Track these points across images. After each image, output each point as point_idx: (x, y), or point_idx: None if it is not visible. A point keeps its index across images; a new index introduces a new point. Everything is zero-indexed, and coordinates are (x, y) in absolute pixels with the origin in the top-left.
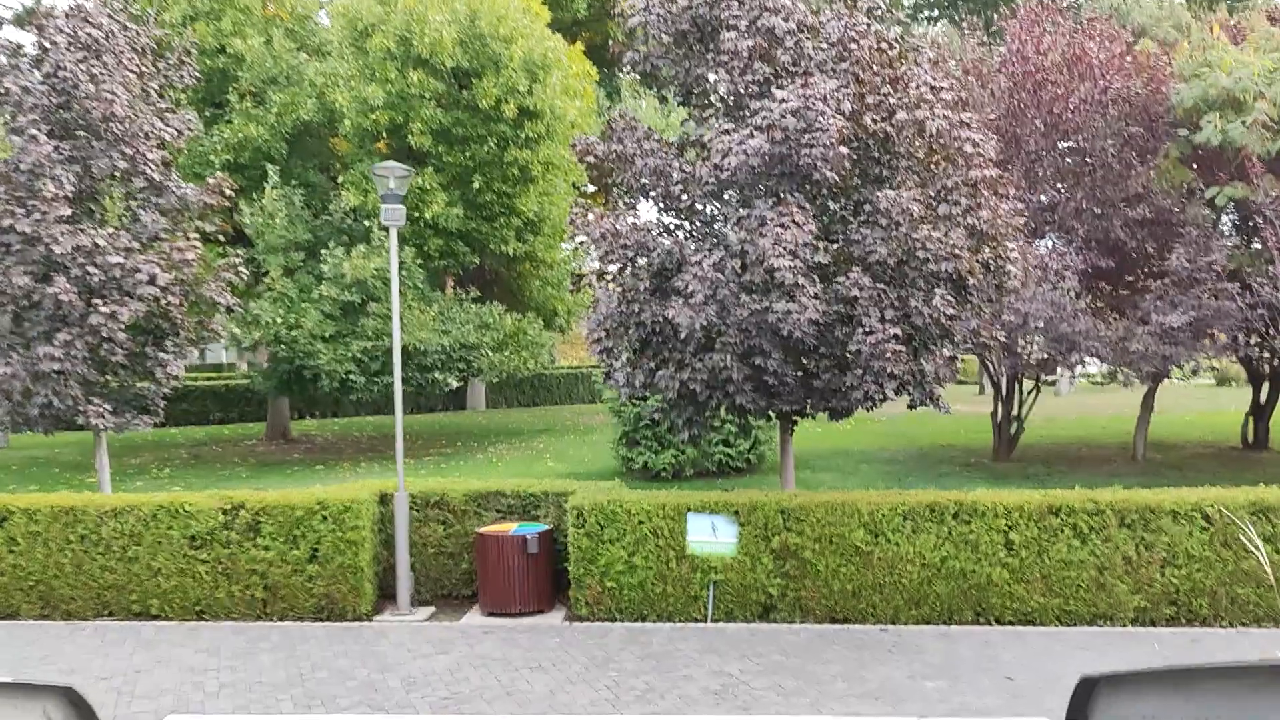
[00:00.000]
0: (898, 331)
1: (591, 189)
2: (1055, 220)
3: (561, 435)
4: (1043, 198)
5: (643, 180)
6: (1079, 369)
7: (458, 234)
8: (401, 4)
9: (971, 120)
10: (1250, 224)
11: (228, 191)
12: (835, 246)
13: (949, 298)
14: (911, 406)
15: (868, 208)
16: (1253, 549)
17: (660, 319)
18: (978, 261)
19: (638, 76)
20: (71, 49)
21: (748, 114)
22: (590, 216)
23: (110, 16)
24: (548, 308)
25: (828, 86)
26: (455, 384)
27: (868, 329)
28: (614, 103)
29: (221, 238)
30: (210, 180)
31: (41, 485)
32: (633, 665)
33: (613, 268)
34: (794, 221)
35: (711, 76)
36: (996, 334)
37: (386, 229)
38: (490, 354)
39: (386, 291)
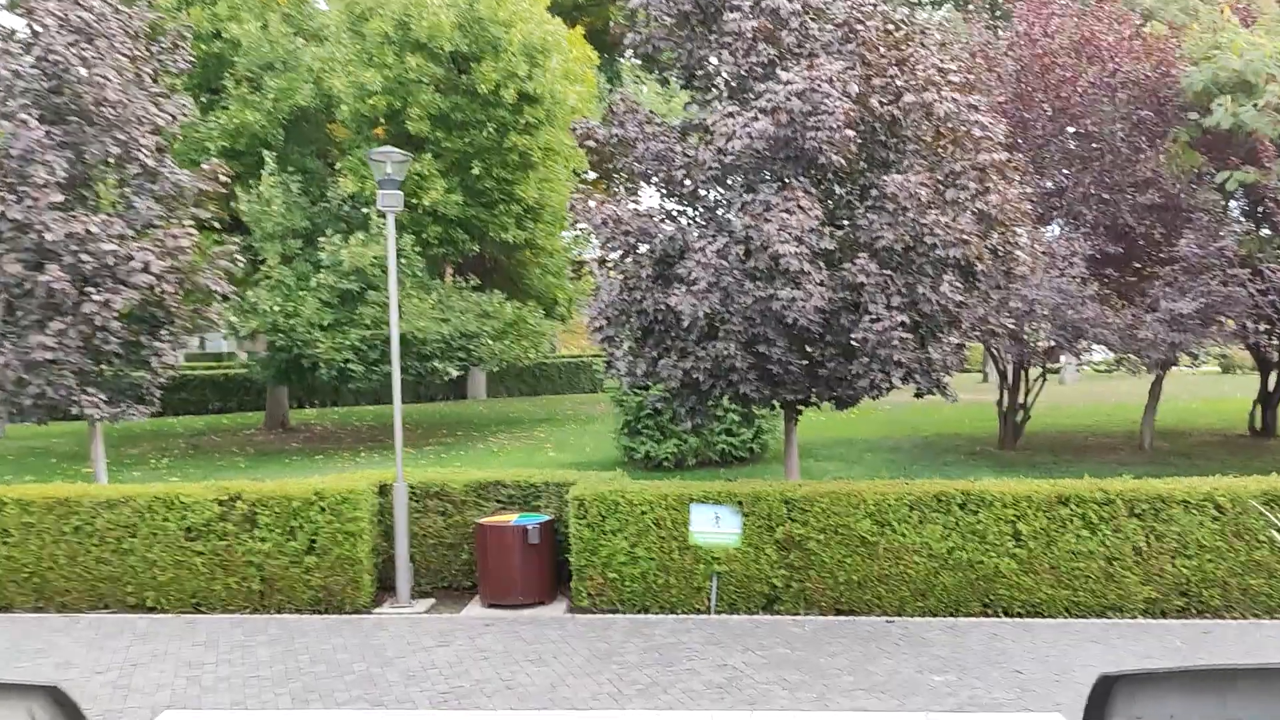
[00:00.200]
0: (905, 319)
1: (593, 176)
2: (1063, 206)
3: (563, 425)
4: (1050, 183)
5: (645, 165)
6: (1084, 356)
7: (457, 221)
8: None
9: (980, 103)
10: (1261, 209)
11: (223, 177)
12: (841, 232)
13: (957, 284)
14: (918, 395)
15: (874, 192)
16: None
17: (663, 307)
18: (986, 247)
19: (639, 60)
20: (62, 32)
21: (752, 96)
22: (591, 203)
23: None
24: (548, 296)
25: (834, 68)
26: (455, 373)
27: (874, 316)
28: (615, 88)
29: (218, 225)
30: (205, 166)
31: (38, 475)
32: (635, 658)
33: (614, 255)
34: (799, 206)
35: (714, 59)
36: (1005, 321)
37: (384, 215)
38: (490, 343)
39: (385, 279)
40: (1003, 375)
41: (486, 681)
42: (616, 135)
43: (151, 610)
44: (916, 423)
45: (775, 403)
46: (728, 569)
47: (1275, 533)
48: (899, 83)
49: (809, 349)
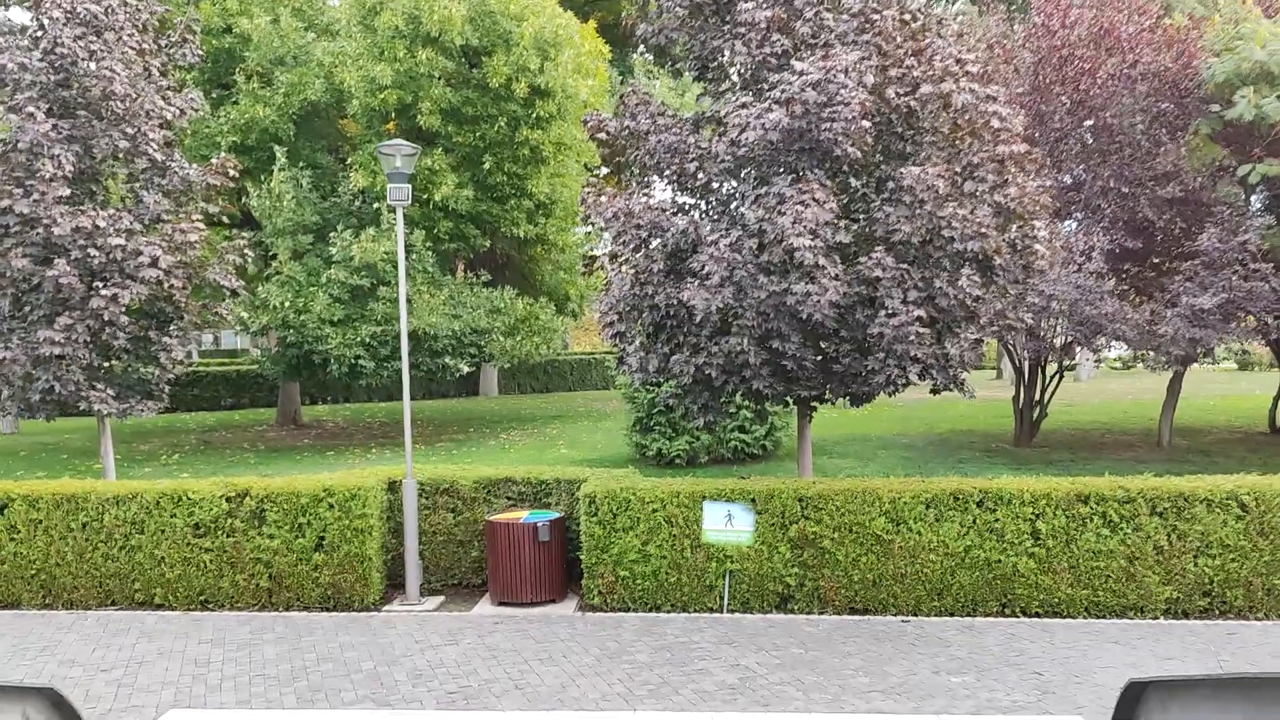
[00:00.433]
0: (921, 314)
1: (604, 171)
2: (1081, 200)
3: (575, 421)
4: (1068, 177)
5: (656, 157)
6: (1101, 353)
7: (468, 216)
8: None
9: (998, 94)
10: None
11: (232, 172)
12: (857, 225)
13: (975, 278)
14: (935, 391)
15: (891, 185)
16: None
17: (675, 301)
18: (1005, 241)
19: (651, 54)
20: (70, 24)
21: (766, 87)
22: (603, 197)
23: None
24: (560, 292)
25: (849, 59)
26: (467, 369)
27: (890, 311)
28: (627, 81)
29: (228, 220)
30: (214, 161)
31: (49, 471)
32: (646, 658)
33: (625, 249)
34: (814, 199)
35: (727, 50)
36: (1023, 316)
37: (394, 210)
38: (502, 339)
39: (396, 275)
40: (1019, 372)
41: (495, 681)
42: (628, 128)
43: (159, 607)
44: (930, 419)
45: (789, 399)
46: (740, 567)
47: None
48: (916, 73)
49: (824, 344)
